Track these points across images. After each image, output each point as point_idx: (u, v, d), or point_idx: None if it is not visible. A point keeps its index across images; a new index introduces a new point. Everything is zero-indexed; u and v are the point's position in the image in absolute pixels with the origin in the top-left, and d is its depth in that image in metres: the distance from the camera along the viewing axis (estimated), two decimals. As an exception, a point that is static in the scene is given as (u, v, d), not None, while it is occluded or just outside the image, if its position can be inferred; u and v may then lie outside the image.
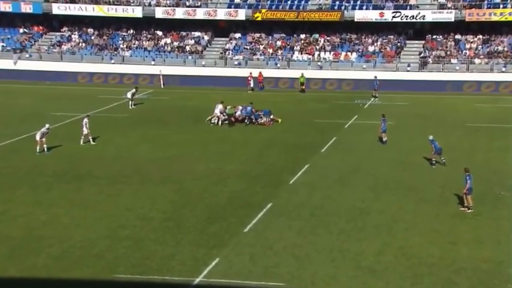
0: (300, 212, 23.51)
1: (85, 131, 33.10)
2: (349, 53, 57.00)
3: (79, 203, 24.21)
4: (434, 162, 29.46)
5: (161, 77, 54.45)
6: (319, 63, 56.34)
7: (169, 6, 60.52)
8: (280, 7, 59.44)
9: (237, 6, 59.70)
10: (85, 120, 33.28)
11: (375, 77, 49.76)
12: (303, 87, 51.76)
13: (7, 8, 61.63)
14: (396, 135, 35.83)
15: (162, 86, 53.69)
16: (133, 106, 44.24)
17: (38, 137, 31.15)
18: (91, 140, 33.32)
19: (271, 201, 24.58)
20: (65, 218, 22.69)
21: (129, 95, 44.73)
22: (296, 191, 26.01)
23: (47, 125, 31.76)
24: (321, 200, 24.91)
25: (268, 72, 54.75)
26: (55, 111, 41.95)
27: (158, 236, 21.22)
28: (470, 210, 23.39)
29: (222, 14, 59.25)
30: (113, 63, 58.75)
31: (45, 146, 31.21)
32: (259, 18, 58.61)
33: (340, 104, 46.59)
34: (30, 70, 58.05)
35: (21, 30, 63.46)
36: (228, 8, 59.73)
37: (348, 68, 55.64)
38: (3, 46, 61.19)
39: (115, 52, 59.84)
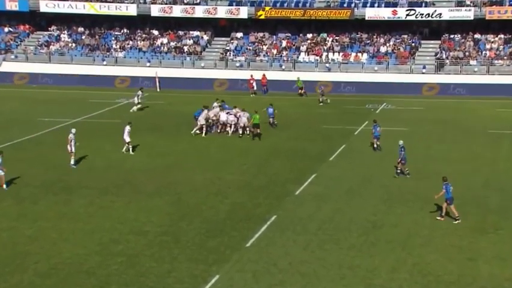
0: (307, 226, 23.46)
1: (127, 139, 33.15)
2: (359, 54, 57.06)
3: (68, 216, 24.20)
4: (398, 171, 29.28)
5: (157, 79, 54.56)
6: (327, 65, 56.40)
7: (166, 3, 60.71)
8: (286, 4, 59.60)
9: (239, 3, 59.86)
10: (128, 128, 33.25)
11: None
12: (302, 91, 51.73)
13: (-9, 5, 61.85)
14: (411, 143, 35.74)
15: (158, 90, 53.79)
16: (135, 110, 44.22)
17: (72, 148, 30.78)
18: (130, 149, 33.32)
19: (275, 214, 24.54)
20: (52, 232, 22.66)
21: (136, 100, 44.80)
22: (302, 203, 25.96)
23: (73, 130, 31.44)
24: (330, 213, 24.86)
25: (272, 75, 54.80)
26: (43, 117, 42.03)
27: (153, 252, 21.18)
28: (457, 221, 23.59)
29: (222, 12, 59.43)
30: (106, 64, 58.90)
31: (72, 158, 30.91)
32: (262, 17, 58.75)
33: (350, 109, 46.58)
34: (16, 72, 58.22)
35: (6, 29, 63.69)
36: (229, 5, 59.92)
37: (359, 70, 55.68)
38: (-13, 47, 61.40)
39: (108, 53, 60.01)
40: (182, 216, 24.35)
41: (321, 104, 48.46)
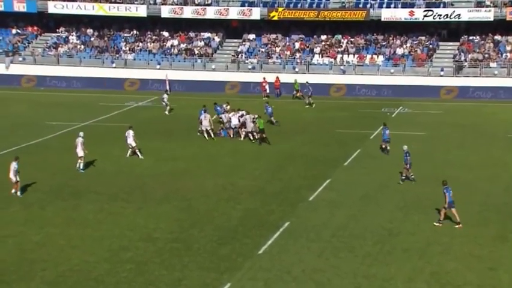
0: (321, 233, 23.44)
1: (133, 143, 33.34)
2: (375, 56, 56.97)
3: (76, 222, 24.32)
4: (403, 177, 29.29)
5: (167, 82, 54.75)
6: (342, 67, 56.34)
7: (177, 4, 60.94)
8: (299, 5, 59.66)
9: (251, 4, 59.99)
10: (130, 132, 33.38)
11: (307, 82, 50.17)
12: (298, 93, 51.68)
13: (-2, 6, 62.36)
14: (429, 148, 35.70)
15: (168, 93, 53.86)
16: (167, 113, 44.60)
17: (80, 153, 31.06)
18: (139, 153, 33.51)
19: (288, 221, 24.55)
20: (60, 238, 22.79)
21: (165, 103, 45.01)
22: (316, 209, 25.94)
23: (81, 133, 31.78)
24: (344, 220, 24.82)
25: (285, 77, 54.83)
26: (50, 120, 42.31)
27: (163, 259, 21.24)
28: (458, 226, 23.72)
29: (234, 13, 59.57)
30: (115, 67, 59.21)
31: (80, 162, 31.14)
32: (275, 18, 58.83)
33: (365, 113, 46.50)
34: (23, 75, 58.63)
35: (13, 31, 64.17)
36: (241, 6, 60.06)
37: (374, 72, 55.59)
38: (-6, 49, 61.90)
39: (117, 55, 60.32)
40: (193, 223, 24.41)
41: (308, 106, 48.42)
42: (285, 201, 26.91)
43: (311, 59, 57.70)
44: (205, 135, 37.61)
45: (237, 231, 23.53)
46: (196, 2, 60.97)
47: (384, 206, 26.22)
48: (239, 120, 37.92)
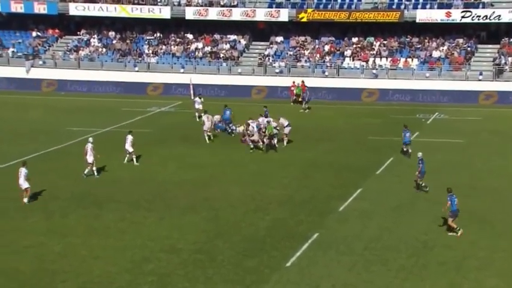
0: (352, 245, 23.38)
1: (130, 149, 33.73)
2: (409, 60, 56.68)
3: (98, 232, 24.60)
4: (423, 185, 29.34)
5: (191, 86, 55.07)
6: (374, 71, 56.16)
7: (201, 5, 61.30)
8: (329, 6, 59.63)
9: (279, 5, 60.13)
10: (129, 137, 33.76)
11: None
12: (299, 98, 51.73)
13: (18, 8, 63.24)
14: (467, 156, 35.41)
15: (192, 97, 54.21)
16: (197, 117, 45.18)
17: (90, 159, 31.48)
18: (134, 159, 33.91)
19: (317, 232, 24.54)
20: (82, 248, 23.06)
21: (197, 105, 45.51)
22: (347, 220, 25.89)
23: (91, 139, 32.17)
24: (377, 231, 24.73)
25: (314, 81, 54.80)
26: (71, 126, 42.80)
27: (187, 271, 21.36)
28: (451, 234, 24.05)
29: (261, 14, 59.74)
30: (137, 71, 59.72)
31: (88, 168, 31.63)
32: (304, 19, 58.88)
33: (398, 119, 46.13)
34: (43, 79, 59.40)
35: (34, 34, 65.04)
36: (268, 7, 60.22)
37: (409, 76, 55.29)
38: (13, 52, 62.78)
39: (140, 58, 60.84)
40: (219, 233, 24.51)
41: (303, 111, 48.75)
42: (314, 211, 26.90)
43: (342, 63, 57.58)
44: (206, 137, 38.55)
45: (264, 243, 23.56)
46: (222, 3, 61.28)
47: (419, 217, 26.06)
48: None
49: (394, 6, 58.30)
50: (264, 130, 36.91)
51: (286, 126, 37.87)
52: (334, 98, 54.05)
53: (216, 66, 59.20)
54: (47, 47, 63.96)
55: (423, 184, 29.49)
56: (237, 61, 59.71)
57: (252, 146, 36.76)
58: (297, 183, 31.12)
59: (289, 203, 28.08)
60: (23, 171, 27.78)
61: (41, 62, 61.71)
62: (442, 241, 23.72)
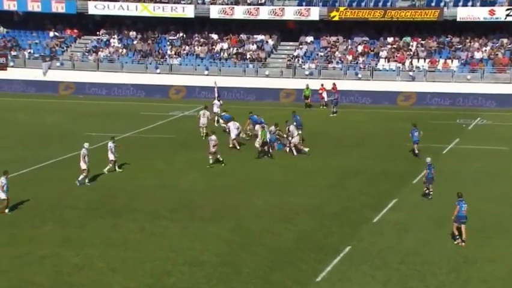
0: (387, 259, 23.19)
1: (111, 156, 33.58)
2: (449, 61, 56.30)
3: (117, 243, 24.69)
4: (429, 192, 29.43)
5: (215, 89, 55.16)
6: (411, 73, 55.85)
7: (227, 4, 61.52)
8: (363, 4, 59.50)
9: (309, 3, 60.13)
10: (110, 144, 33.71)
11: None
12: (308, 101, 51.78)
13: (35, 7, 64.10)
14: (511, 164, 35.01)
15: (221, 102, 54.27)
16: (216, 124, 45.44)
17: (86, 164, 31.60)
18: (116, 167, 33.86)
19: (349, 245, 24.39)
20: (99, 260, 23.16)
21: (216, 109, 45.83)
22: (381, 232, 25.71)
23: (86, 144, 32.35)
24: (414, 244, 24.51)
25: (346, 84, 54.68)
26: (89, 131, 43.13)
27: (211, 285, 21.35)
28: (456, 242, 24.23)
29: (290, 13, 59.80)
30: (159, 73, 60.11)
31: (83, 175, 31.76)
32: (336, 18, 58.79)
33: (437, 124, 45.94)
34: (61, 81, 60.01)
35: (51, 34, 65.86)
36: (298, 5, 60.27)
37: (448, 79, 54.94)
38: (30, 53, 63.60)
39: (162, 60, 61.22)
40: (244, 245, 24.48)
41: (333, 114, 48.87)
42: (346, 223, 26.75)
43: (376, 64, 57.36)
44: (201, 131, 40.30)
45: (292, 255, 23.47)
46: (248, 2, 61.43)
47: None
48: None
49: (433, 4, 57.95)
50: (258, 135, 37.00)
51: (296, 136, 37.46)
52: (368, 102, 53.85)
53: (242, 68, 59.33)
54: (65, 48, 64.68)
55: (427, 191, 29.63)
56: (264, 63, 59.78)
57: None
58: (326, 192, 30.99)
59: (318, 213, 27.96)
60: (2, 181, 27.59)
61: (58, 64, 62.43)
62: (485, 255, 23.43)
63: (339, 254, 23.59)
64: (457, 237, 24.45)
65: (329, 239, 25.09)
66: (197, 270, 22.34)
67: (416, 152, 36.31)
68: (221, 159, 34.96)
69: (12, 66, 62.23)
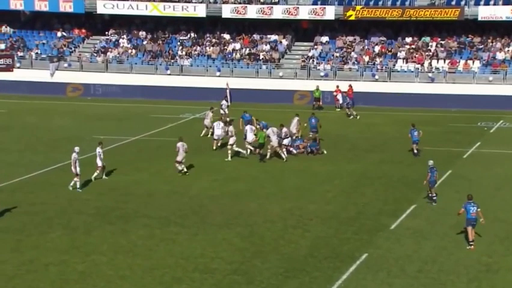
0: (405, 267, 23.14)
1: (99, 163, 33.39)
2: (470, 62, 56.09)
3: (125, 250, 24.76)
4: (432, 196, 29.65)
5: (227, 91, 55.31)
6: (430, 75, 55.70)
7: (239, 3, 61.61)
8: (380, 3, 59.43)
9: (325, 2, 60.11)
10: (99, 150, 33.51)
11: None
12: (320, 103, 51.83)
13: (43, 6, 64.37)
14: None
15: (229, 103, 54.35)
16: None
17: (77, 169, 31.63)
18: (96, 173, 33.56)
19: (366, 252, 24.36)
20: (107, 268, 23.23)
21: (223, 110, 46.10)
22: (399, 240, 25.65)
23: (76, 149, 32.32)
24: (433, 252, 24.44)
25: (362, 86, 54.62)
26: (97, 134, 43.27)
27: (221, 293, 21.38)
28: (469, 247, 24.49)
29: (305, 12, 59.80)
30: (170, 74, 60.27)
31: (76, 180, 31.79)
32: (352, 17, 58.75)
33: (457, 127, 45.82)
34: (68, 83, 60.26)
35: (59, 34, 66.16)
36: (312, 4, 60.25)
37: (469, 80, 54.76)
38: (37, 53, 63.94)
39: (172, 60, 61.38)
40: (256, 252, 24.49)
41: (353, 117, 49.14)
42: (362, 229, 26.71)
43: (394, 65, 57.25)
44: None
45: (306, 263, 23.47)
46: (262, 1, 61.52)
47: (482, 237, 25.62)
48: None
49: (453, 3, 57.77)
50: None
51: (285, 137, 37.70)
52: (385, 104, 53.71)
53: (255, 69, 59.38)
54: (73, 48, 64.97)
55: (431, 195, 29.78)
56: (277, 63, 59.79)
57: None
58: (342, 197, 30.96)
59: (334, 219, 27.93)
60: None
61: (66, 65, 62.69)
62: (508, 264, 23.30)
63: (355, 261, 23.54)
64: (471, 242, 24.60)
65: (344, 246, 25.05)
66: (208, 278, 22.36)
67: (415, 151, 37.37)
68: (185, 169, 34.65)
69: (18, 68, 62.54)
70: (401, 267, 23.13)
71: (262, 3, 61.26)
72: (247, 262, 23.60)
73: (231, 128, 38.45)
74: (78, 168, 31.58)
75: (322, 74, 57.69)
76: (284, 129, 38.02)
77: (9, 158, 37.86)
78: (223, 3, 61.91)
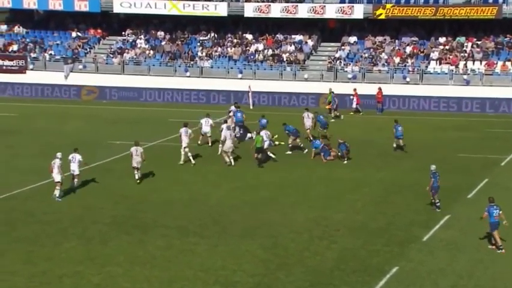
0: (438, 282, 23.04)
1: (77, 170, 32.98)
2: (508, 63, 55.76)
3: (142, 261, 24.86)
4: (436, 202, 29.98)
5: (249, 94, 55.40)
6: (465, 77, 55.44)
7: (263, 1, 61.71)
8: (412, 1, 59.26)
9: (353, 0, 60.04)
10: (77, 156, 33.19)
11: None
12: (330, 106, 52.05)
13: (57, 5, 64.97)
14: None
15: (251, 107, 54.53)
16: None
17: (59, 177, 31.51)
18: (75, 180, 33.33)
19: (397, 265, 24.27)
20: (123, 280, 23.34)
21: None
22: (432, 252, 25.55)
23: (59, 154, 32.29)
24: (468, 265, 24.33)
25: (392, 89, 54.50)
26: (113, 139, 43.57)
27: (243, 308, 21.43)
28: (499, 251, 25.06)
29: (332, 11, 59.83)
30: (189, 76, 60.50)
31: (57, 189, 31.81)
32: (382, 16, 58.66)
33: (495, 133, 45.57)
34: (83, 85, 60.69)
35: (73, 34, 66.65)
36: (340, 3, 60.21)
37: (507, 83, 54.50)
38: (51, 55, 64.42)
39: (191, 62, 61.61)
40: (280, 264, 24.49)
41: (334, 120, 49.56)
42: (393, 241, 26.63)
43: (426, 67, 57.06)
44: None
45: (332, 276, 23.43)
46: (286, -1, 61.62)
47: (518, 250, 25.51)
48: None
49: (490, 0, 57.49)
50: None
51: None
52: (416, 109, 53.58)
53: (279, 71, 59.45)
54: (88, 49, 65.43)
55: (436, 201, 30.01)
56: (302, 65, 59.83)
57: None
58: (371, 207, 30.89)
59: (362, 230, 27.88)
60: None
61: (81, 66, 63.13)
62: (547, 279, 23.13)
63: (385, 275, 23.47)
64: (501, 246, 25.13)
65: (373, 258, 24.98)
66: (229, 292, 22.43)
67: (395, 146, 40.30)
68: (139, 176, 34.66)
69: (31, 69, 63.11)
70: (434, 281, 23.02)
71: (287, 2, 61.26)
72: (271, 275, 23.60)
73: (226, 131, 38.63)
74: (60, 176, 31.55)
75: (350, 76, 57.61)
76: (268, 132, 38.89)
77: (21, 164, 38.17)
78: (246, 1, 61.97)
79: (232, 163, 37.49)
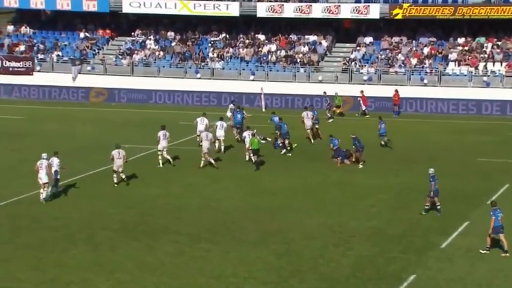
0: (457, 291, 23.01)
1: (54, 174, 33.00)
2: (529, 64, 55.61)
3: (151, 268, 24.92)
4: (427, 207, 30.13)
5: (262, 96, 55.44)
6: (485, 79, 55.31)
7: (276, 1, 61.76)
8: (430, 1, 59.17)
9: (369, 0, 59.96)
10: (56, 159, 32.98)
11: (325, 92, 52.30)
12: (340, 110, 52.41)
13: (65, 5, 65.29)
14: None
15: (263, 109, 54.59)
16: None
17: (46, 178, 31.60)
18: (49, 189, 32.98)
19: (414, 273, 24.23)
20: (132, 287, 23.40)
21: (228, 113, 46.30)
22: (451, 260, 25.49)
23: (44, 155, 32.28)
24: (488, 274, 24.25)
25: (409, 91, 54.41)
26: (122, 143, 43.53)
27: (255, 317, 21.43)
28: (504, 254, 25.48)
29: (347, 10, 59.84)
30: (200, 77, 60.61)
31: (42, 191, 31.82)
32: (399, 16, 58.61)
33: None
34: (91, 87, 60.91)
35: (82, 35, 66.91)
36: (355, 2, 60.19)
37: (529, 85, 54.30)
38: (58, 56, 64.70)
39: (202, 63, 61.73)
40: (294, 271, 24.49)
41: (331, 120, 50.25)
42: (410, 248, 26.60)
43: (445, 68, 56.94)
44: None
45: (348, 284, 23.42)
46: (300, -2, 61.66)
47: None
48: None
49: (511, 0, 57.25)
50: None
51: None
52: (434, 111, 53.49)
53: (292, 73, 59.49)
54: (97, 50, 65.67)
55: (438, 206, 30.11)
56: (317, 67, 59.84)
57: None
58: (388, 213, 30.85)
59: (378, 236, 27.85)
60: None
61: (89, 68, 63.38)
62: None
63: (402, 283, 23.44)
64: (489, 248, 25.71)
65: (390, 266, 24.96)
66: (241, 300, 22.48)
67: (383, 143, 42.07)
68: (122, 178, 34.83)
69: (38, 71, 63.39)
70: (452, 290, 23.01)
71: (301, 1, 61.29)
72: (284, 283, 23.60)
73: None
74: (47, 177, 31.65)
75: (365, 77, 57.57)
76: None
77: (27, 167, 38.17)
78: (258, 1, 62.05)
79: (214, 164, 37.90)
